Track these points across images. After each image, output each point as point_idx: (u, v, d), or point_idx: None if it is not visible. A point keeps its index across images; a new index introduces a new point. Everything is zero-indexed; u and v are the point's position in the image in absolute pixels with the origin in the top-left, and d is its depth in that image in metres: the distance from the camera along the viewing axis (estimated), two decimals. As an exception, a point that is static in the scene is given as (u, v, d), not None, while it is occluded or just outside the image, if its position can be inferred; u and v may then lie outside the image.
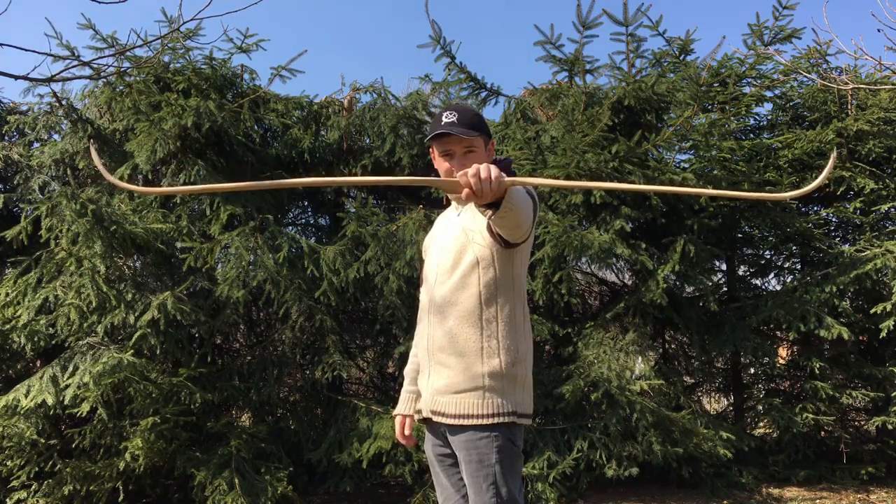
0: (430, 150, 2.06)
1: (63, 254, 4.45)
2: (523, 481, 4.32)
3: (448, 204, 2.17)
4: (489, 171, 1.57)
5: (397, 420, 2.23)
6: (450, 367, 1.92)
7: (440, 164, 2.02)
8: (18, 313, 4.36)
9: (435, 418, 1.96)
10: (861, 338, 5.40)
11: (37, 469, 4.26)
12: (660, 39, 5.57)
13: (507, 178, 1.61)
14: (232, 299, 4.47)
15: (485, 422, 1.87)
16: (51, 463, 4.27)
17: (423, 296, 2.08)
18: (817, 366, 5.00)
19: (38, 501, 4.18)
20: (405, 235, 4.65)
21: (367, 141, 5.55)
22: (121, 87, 5.20)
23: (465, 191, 1.58)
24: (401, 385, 5.37)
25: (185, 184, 4.86)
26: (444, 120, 1.95)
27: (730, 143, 5.19)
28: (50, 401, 4.00)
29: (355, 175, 5.27)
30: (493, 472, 1.86)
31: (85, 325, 4.28)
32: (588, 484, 4.59)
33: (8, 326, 4.29)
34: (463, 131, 1.93)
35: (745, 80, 5.59)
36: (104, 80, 5.05)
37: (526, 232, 1.85)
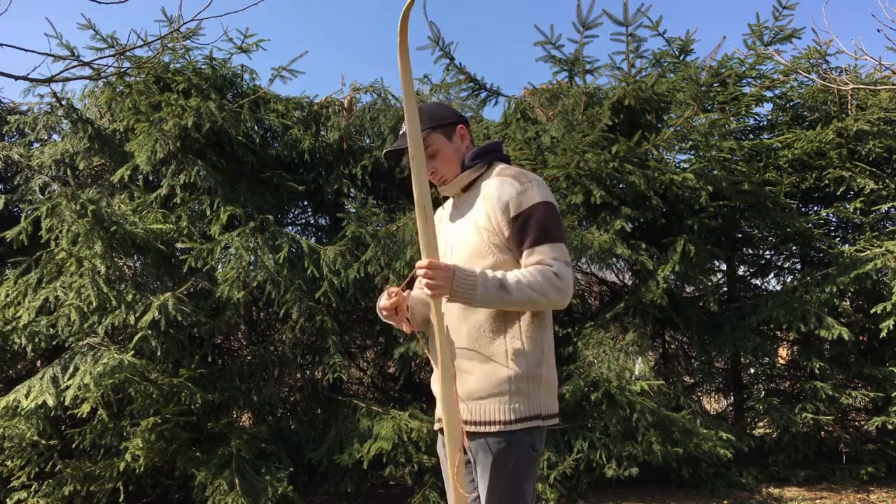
0: None
1: (63, 254, 4.46)
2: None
3: (445, 200, 2.10)
4: (433, 284, 1.70)
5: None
6: (472, 372, 1.83)
7: None
8: (19, 314, 4.36)
9: (463, 427, 1.86)
10: (861, 338, 5.41)
11: (37, 469, 4.27)
12: (660, 39, 5.58)
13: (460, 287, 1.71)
14: (232, 300, 4.47)
15: (507, 428, 1.78)
16: (51, 463, 4.28)
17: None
18: (817, 366, 5.01)
19: (38, 502, 4.18)
20: (405, 236, 4.65)
21: (368, 141, 5.55)
22: (121, 88, 5.20)
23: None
24: (402, 385, 5.35)
25: (185, 183, 4.86)
26: (399, 133, 1.93)
27: (730, 143, 5.19)
28: (50, 402, 4.01)
29: (356, 176, 5.27)
30: (510, 478, 1.78)
31: (85, 325, 4.28)
32: (588, 484, 4.59)
33: (9, 327, 4.29)
34: (402, 142, 1.89)
35: (745, 80, 5.60)
36: (104, 80, 5.05)
37: (565, 302, 1.80)
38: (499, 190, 1.85)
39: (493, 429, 1.80)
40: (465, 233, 1.89)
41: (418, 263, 1.73)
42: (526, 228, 1.80)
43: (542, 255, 1.79)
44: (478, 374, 1.82)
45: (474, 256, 1.85)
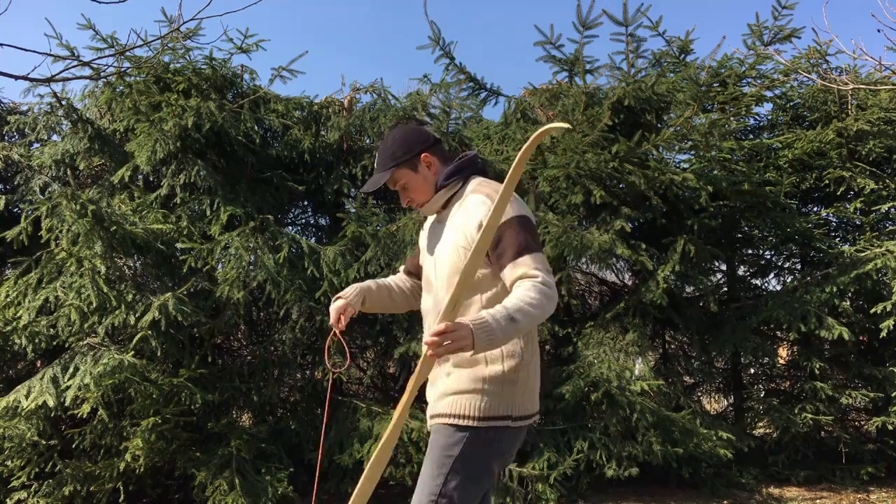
0: None
1: (63, 254, 4.46)
2: (524, 483, 4.32)
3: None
4: (437, 350, 1.67)
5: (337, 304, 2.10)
6: (453, 372, 1.92)
7: None
8: (19, 314, 4.36)
9: (431, 421, 1.97)
10: (861, 338, 5.41)
11: (37, 470, 4.26)
12: (660, 39, 5.58)
13: (474, 337, 1.68)
14: (232, 300, 4.47)
15: (475, 423, 1.86)
16: (51, 463, 4.28)
17: (426, 300, 2.07)
18: (817, 366, 5.01)
19: (38, 502, 4.18)
20: (405, 236, 4.65)
21: (368, 141, 5.55)
22: (121, 88, 5.20)
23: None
24: (402, 385, 5.36)
25: (185, 183, 4.86)
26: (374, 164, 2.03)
27: (730, 143, 5.20)
28: (51, 402, 4.00)
29: (356, 176, 5.27)
30: (449, 466, 1.84)
31: (86, 325, 4.28)
32: (588, 484, 4.59)
33: (9, 328, 4.29)
34: (374, 180, 2.01)
35: (745, 80, 5.60)
36: (104, 80, 5.05)
37: (553, 307, 1.82)
38: (475, 208, 1.92)
39: (463, 422, 1.87)
40: (445, 253, 1.97)
41: (434, 332, 1.69)
42: (504, 244, 1.86)
43: (525, 268, 1.83)
44: (458, 374, 1.91)
45: (454, 274, 1.92)
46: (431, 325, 1.99)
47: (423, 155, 2.01)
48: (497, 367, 1.88)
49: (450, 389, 1.91)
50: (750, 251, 6.03)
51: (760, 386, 5.78)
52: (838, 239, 5.97)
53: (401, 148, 2.01)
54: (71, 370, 4.15)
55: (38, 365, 4.86)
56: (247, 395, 4.70)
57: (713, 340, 5.21)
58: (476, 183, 2.00)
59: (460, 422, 1.87)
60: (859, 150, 5.52)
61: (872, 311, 4.90)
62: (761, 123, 6.18)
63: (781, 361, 5.72)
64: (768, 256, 6.01)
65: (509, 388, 1.89)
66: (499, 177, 5.13)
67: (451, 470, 1.84)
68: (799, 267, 5.93)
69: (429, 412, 2.00)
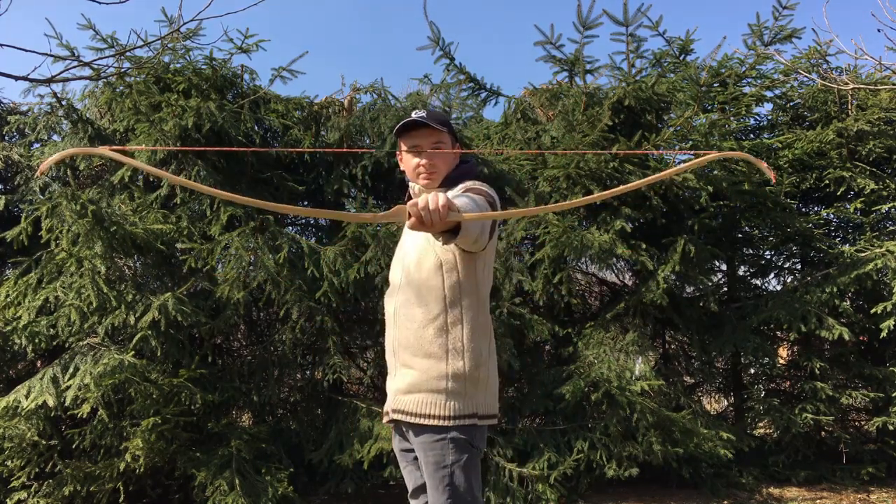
0: (398, 151, 2.12)
1: (63, 254, 4.46)
2: (524, 483, 4.32)
3: None
4: (437, 202, 1.52)
5: None
6: (414, 367, 1.95)
7: (407, 161, 2.07)
8: (19, 314, 4.36)
9: (395, 416, 2.00)
10: (861, 338, 5.41)
11: (37, 469, 4.27)
12: (660, 40, 5.58)
13: (457, 210, 1.57)
14: (232, 300, 4.46)
15: (443, 423, 1.90)
16: (51, 463, 4.28)
17: (389, 303, 2.12)
18: (817, 366, 5.01)
19: (38, 502, 4.18)
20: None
21: (368, 141, 5.54)
22: (121, 88, 5.20)
23: (412, 220, 1.51)
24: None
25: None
26: (414, 115, 2.03)
27: (730, 143, 5.19)
28: (51, 402, 4.01)
29: (356, 176, 5.27)
30: (449, 472, 1.89)
31: (86, 325, 4.28)
32: (588, 484, 4.59)
33: (9, 328, 4.29)
34: (433, 123, 2.02)
35: (745, 80, 5.59)
36: (104, 80, 5.04)
37: (482, 245, 1.86)
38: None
39: (430, 422, 1.90)
40: (416, 241, 2.04)
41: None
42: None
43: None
44: (419, 369, 1.94)
45: (421, 256, 1.99)
46: (398, 324, 2.02)
47: (457, 144, 2.15)
48: (458, 365, 1.92)
49: (413, 387, 1.94)
50: (750, 251, 6.02)
51: (760, 386, 5.78)
52: (838, 239, 5.97)
53: (448, 122, 2.11)
54: (71, 370, 4.15)
55: (38, 365, 4.86)
56: (247, 396, 4.70)
57: (713, 340, 5.20)
58: (469, 183, 2.05)
59: (432, 422, 1.90)
60: (859, 151, 5.52)
61: (872, 311, 4.90)
62: (761, 123, 6.18)
63: (781, 361, 5.72)
64: (768, 256, 6.01)
65: (472, 387, 1.94)
66: (497, 178, 5.13)
67: (451, 481, 1.89)
68: (799, 267, 5.92)
69: (391, 404, 2.02)
